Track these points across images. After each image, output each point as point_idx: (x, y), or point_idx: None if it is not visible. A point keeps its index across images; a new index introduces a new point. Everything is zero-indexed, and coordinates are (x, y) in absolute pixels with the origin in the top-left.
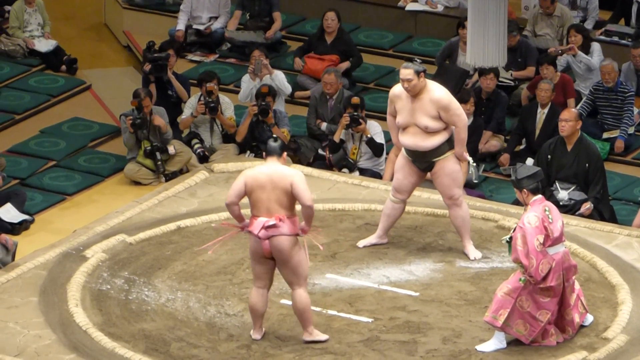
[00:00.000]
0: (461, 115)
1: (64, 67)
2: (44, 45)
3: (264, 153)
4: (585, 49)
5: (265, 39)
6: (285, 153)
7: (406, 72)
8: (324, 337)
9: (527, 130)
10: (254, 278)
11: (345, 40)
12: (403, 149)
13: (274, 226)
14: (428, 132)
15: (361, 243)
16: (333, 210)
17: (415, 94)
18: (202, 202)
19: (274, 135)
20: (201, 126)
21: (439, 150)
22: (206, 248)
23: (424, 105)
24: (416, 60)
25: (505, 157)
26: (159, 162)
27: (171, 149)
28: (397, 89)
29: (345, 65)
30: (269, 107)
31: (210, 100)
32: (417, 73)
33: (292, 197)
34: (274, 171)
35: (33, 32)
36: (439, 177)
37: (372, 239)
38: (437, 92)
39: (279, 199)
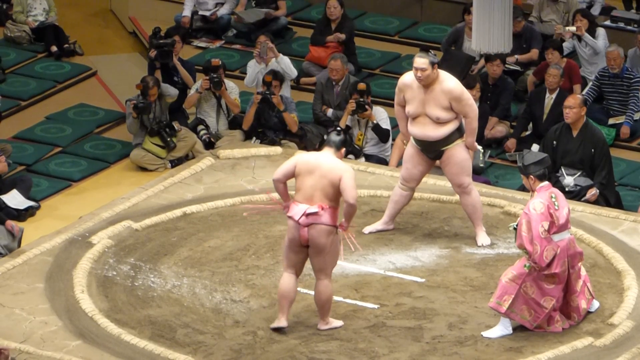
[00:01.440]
0: (472, 105)
1: (54, 48)
2: (41, 19)
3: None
4: (591, 34)
5: (266, 16)
6: (344, 149)
7: (421, 61)
8: (338, 323)
9: (535, 115)
10: (287, 265)
11: (349, 27)
12: (412, 138)
13: (315, 214)
14: (439, 122)
15: (367, 229)
16: None
17: (426, 84)
18: (208, 188)
19: (339, 128)
20: (207, 112)
21: (448, 139)
22: (247, 209)
23: (436, 96)
24: (431, 51)
25: (511, 142)
26: (169, 139)
27: (176, 125)
28: (407, 78)
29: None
30: (272, 93)
31: (215, 76)
32: (432, 64)
33: (337, 191)
34: (326, 161)
35: (37, 17)
36: (447, 166)
37: (378, 225)
38: (449, 82)
39: (325, 189)
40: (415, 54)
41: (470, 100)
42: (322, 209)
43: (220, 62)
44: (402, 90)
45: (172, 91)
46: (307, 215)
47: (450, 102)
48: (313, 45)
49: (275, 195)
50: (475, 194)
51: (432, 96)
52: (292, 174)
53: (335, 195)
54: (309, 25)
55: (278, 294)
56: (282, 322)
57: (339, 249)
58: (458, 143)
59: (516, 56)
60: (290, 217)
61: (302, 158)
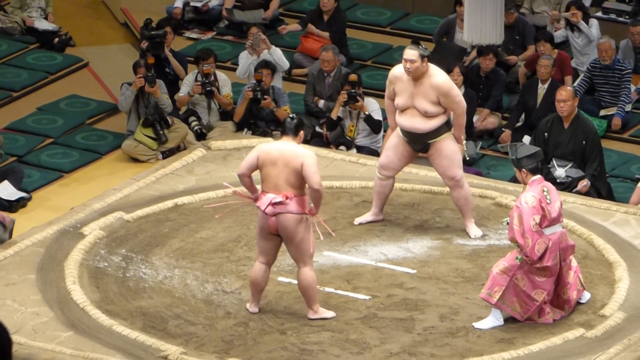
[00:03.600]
0: (460, 102)
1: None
2: (44, 24)
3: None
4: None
5: (264, 20)
6: (302, 132)
7: (411, 52)
8: (330, 314)
9: (528, 105)
10: (258, 253)
11: (340, 19)
12: (398, 129)
13: (280, 203)
14: (427, 116)
15: (357, 220)
16: (330, 187)
17: (415, 76)
18: (199, 179)
19: (291, 115)
20: (199, 104)
21: (436, 132)
22: (214, 208)
23: (425, 90)
24: (422, 45)
25: (506, 135)
26: (161, 133)
27: (171, 120)
28: (397, 71)
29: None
30: (262, 89)
31: (207, 81)
32: (422, 57)
33: (301, 178)
34: (287, 149)
35: (32, 13)
36: (436, 159)
37: (367, 216)
38: (438, 77)
39: (288, 177)
40: (406, 46)
41: (458, 97)
42: (287, 198)
43: (211, 69)
44: (392, 82)
45: (167, 102)
46: (273, 204)
47: (438, 96)
48: (304, 36)
49: (243, 191)
50: (467, 187)
51: (421, 90)
52: (256, 166)
53: (299, 182)
54: (301, 17)
55: (249, 282)
56: (253, 308)
57: (311, 235)
58: (446, 136)
59: (518, 58)
60: (258, 207)
61: (263, 149)
